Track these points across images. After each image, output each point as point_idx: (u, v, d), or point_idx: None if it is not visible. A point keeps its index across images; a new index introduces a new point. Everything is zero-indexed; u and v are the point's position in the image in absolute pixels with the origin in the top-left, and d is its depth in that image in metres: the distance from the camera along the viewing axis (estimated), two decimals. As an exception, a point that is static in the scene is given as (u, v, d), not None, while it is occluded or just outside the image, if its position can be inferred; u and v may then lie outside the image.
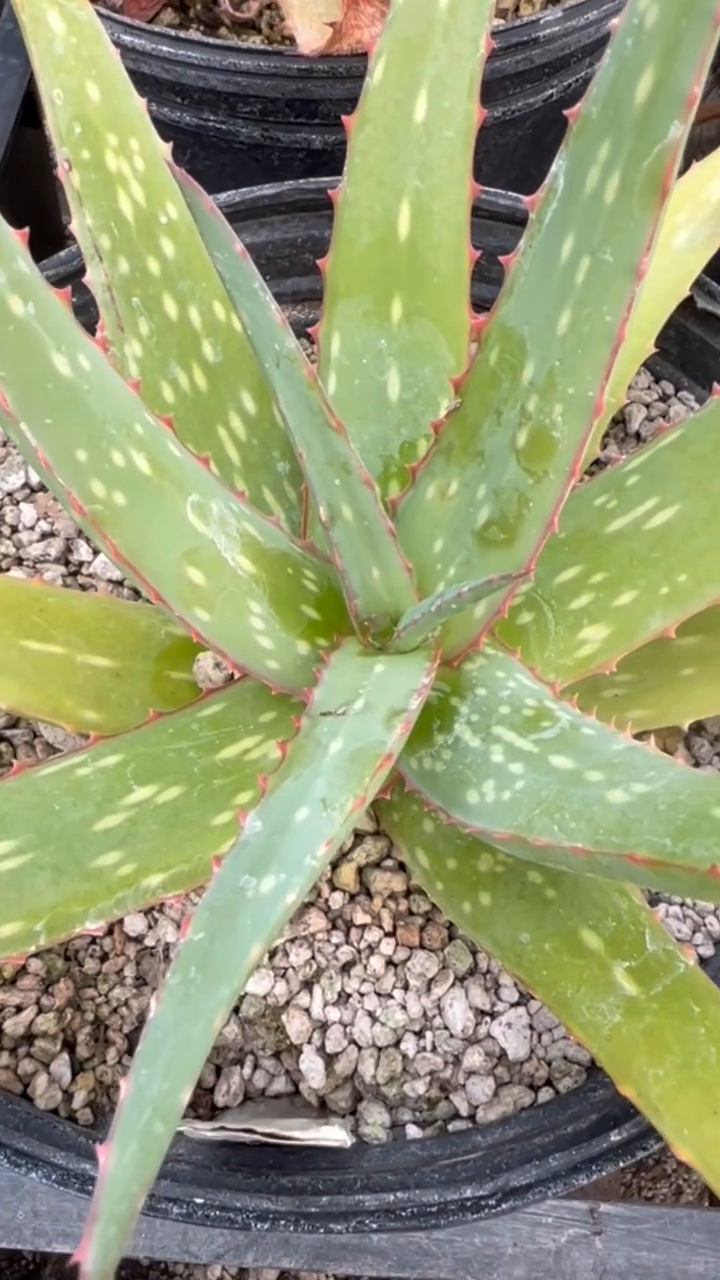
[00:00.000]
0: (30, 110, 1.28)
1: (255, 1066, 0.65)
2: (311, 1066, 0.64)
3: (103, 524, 0.54)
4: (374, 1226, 0.54)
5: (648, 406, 0.82)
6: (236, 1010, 0.66)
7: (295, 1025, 0.65)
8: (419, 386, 0.67)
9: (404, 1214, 0.54)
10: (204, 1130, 0.49)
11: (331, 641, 0.65)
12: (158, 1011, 0.36)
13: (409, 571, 0.62)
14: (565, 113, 0.46)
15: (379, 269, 0.66)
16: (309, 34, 0.78)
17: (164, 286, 0.67)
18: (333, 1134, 0.51)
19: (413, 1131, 0.63)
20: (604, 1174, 0.54)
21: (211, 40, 0.88)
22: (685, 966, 0.53)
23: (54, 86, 0.63)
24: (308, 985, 0.66)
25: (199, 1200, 0.54)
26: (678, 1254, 0.79)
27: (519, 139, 1.03)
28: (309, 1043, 0.65)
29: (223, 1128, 0.49)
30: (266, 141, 0.97)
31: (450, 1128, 0.63)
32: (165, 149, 0.66)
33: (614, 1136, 0.55)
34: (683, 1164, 1.22)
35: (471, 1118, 0.63)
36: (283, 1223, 0.54)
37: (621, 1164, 0.54)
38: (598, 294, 0.49)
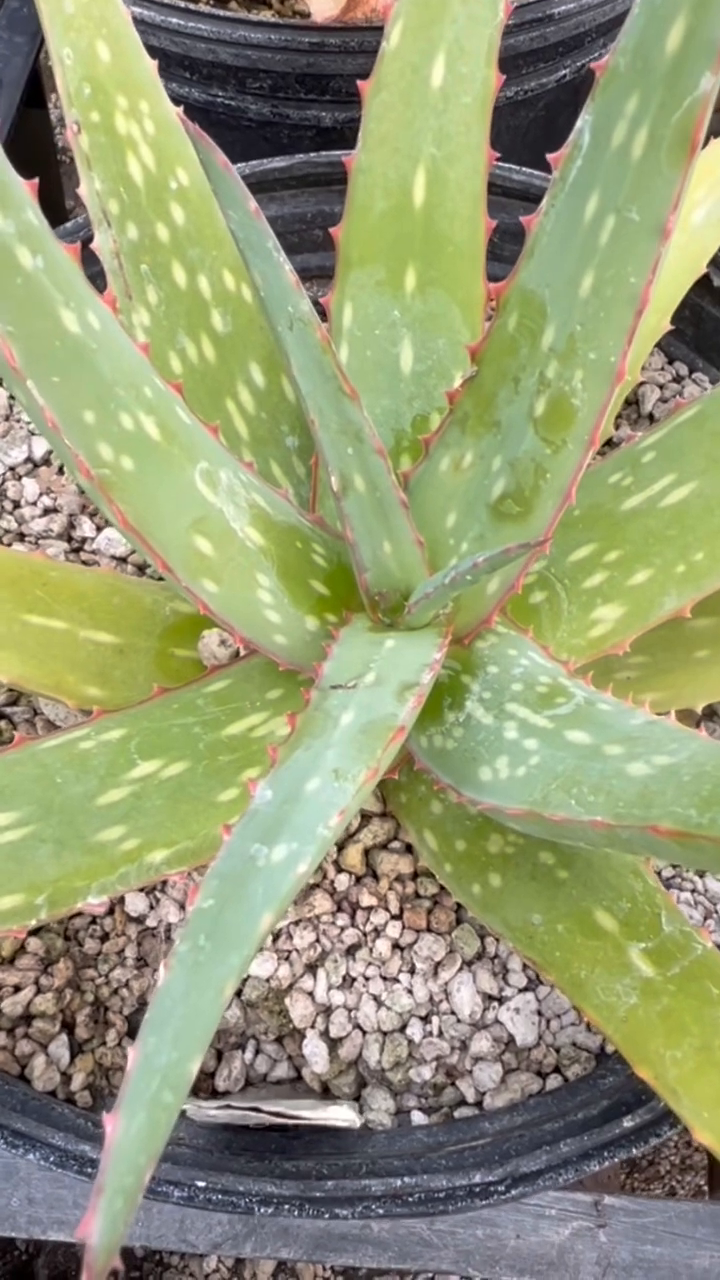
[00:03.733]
0: (35, 90, 1.26)
1: (257, 1051, 0.64)
2: (315, 1051, 0.62)
3: (110, 489, 0.53)
4: (380, 1212, 0.52)
5: (661, 388, 0.81)
6: (239, 993, 0.64)
7: (299, 1009, 0.63)
8: (433, 359, 0.66)
9: (411, 1199, 0.53)
10: (209, 1109, 0.48)
11: (340, 618, 0.64)
12: (166, 979, 0.35)
13: (420, 546, 0.60)
14: (593, 65, 0.45)
15: (393, 238, 0.64)
16: (322, 2, 0.77)
17: (173, 254, 0.66)
18: (341, 1114, 0.50)
19: (418, 1118, 0.62)
20: (616, 1160, 0.53)
21: (222, 13, 0.86)
22: (703, 948, 0.52)
23: (63, 46, 0.61)
24: (311, 969, 0.64)
25: (201, 1183, 0.53)
26: (682, 1248, 0.77)
27: (531, 120, 1.02)
28: (312, 1027, 0.63)
29: (228, 1106, 0.48)
30: (276, 119, 0.96)
31: (457, 1114, 0.62)
32: (176, 112, 0.64)
33: (626, 1123, 0.53)
34: (676, 1165, 1.21)
35: (479, 1104, 0.62)
36: (286, 1207, 0.52)
37: (635, 1150, 0.53)
38: (622, 254, 0.47)
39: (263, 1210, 0.52)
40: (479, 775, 0.55)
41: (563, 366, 0.52)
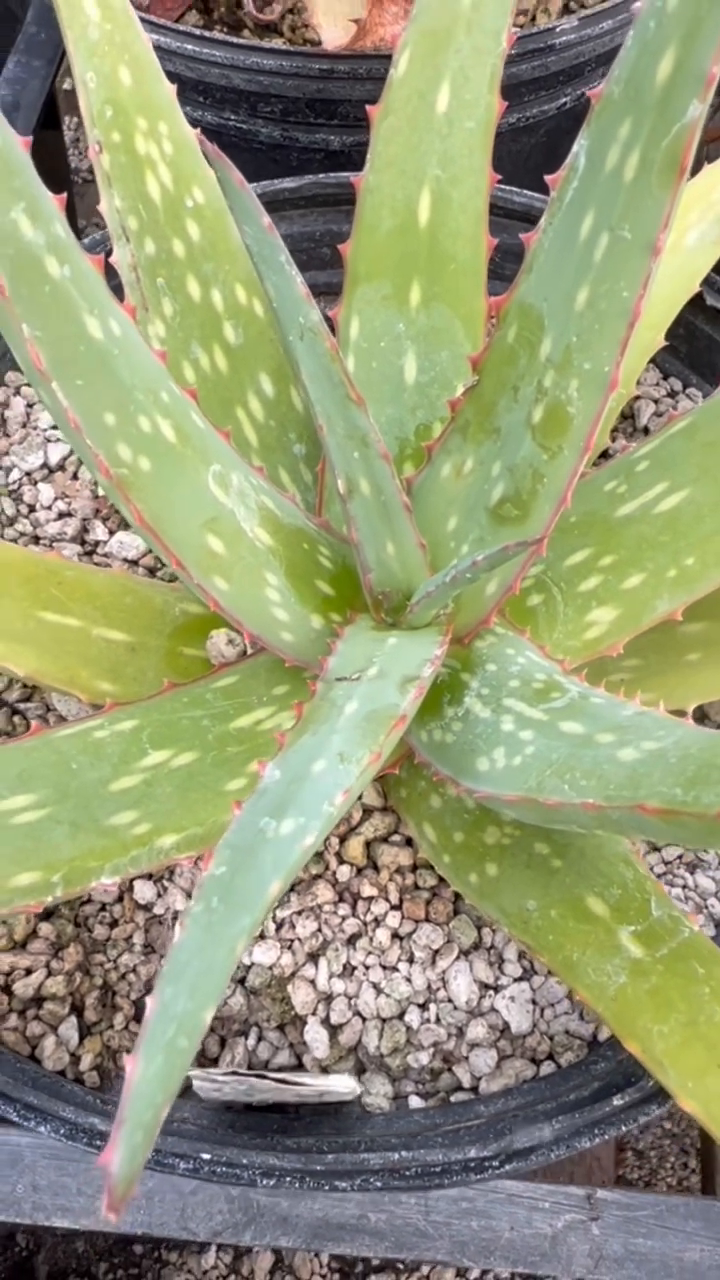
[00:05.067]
0: (50, 113, 1.30)
1: (259, 1038, 0.66)
2: (316, 1037, 0.64)
3: (128, 488, 0.55)
4: (378, 1185, 0.54)
5: (656, 402, 0.84)
6: (242, 981, 0.66)
7: (300, 996, 0.65)
8: (435, 370, 0.68)
9: (408, 1173, 0.55)
10: (216, 1075, 0.50)
11: (344, 617, 0.67)
12: (181, 936, 0.37)
13: (423, 548, 0.63)
14: (589, 93, 0.48)
15: (399, 255, 0.67)
16: (333, 31, 0.80)
17: (188, 268, 0.69)
18: (342, 1083, 0.52)
19: (415, 1102, 0.64)
20: (607, 1138, 0.55)
21: (236, 40, 0.90)
22: (690, 931, 0.54)
23: (87, 70, 0.65)
24: (313, 957, 0.66)
25: (205, 1156, 0.55)
26: (673, 1241, 0.79)
27: (533, 146, 1.05)
28: (314, 1014, 0.65)
29: (235, 1073, 0.50)
30: (286, 141, 0.99)
31: (453, 1099, 0.64)
32: (195, 133, 0.67)
33: (616, 1101, 0.56)
34: (645, 1175, 1.22)
35: (474, 1089, 0.64)
36: (288, 1179, 0.54)
37: (624, 1127, 0.55)
38: (615, 270, 0.50)
39: (265, 1182, 0.54)
40: (477, 766, 0.57)
41: (559, 376, 0.55)
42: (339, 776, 0.47)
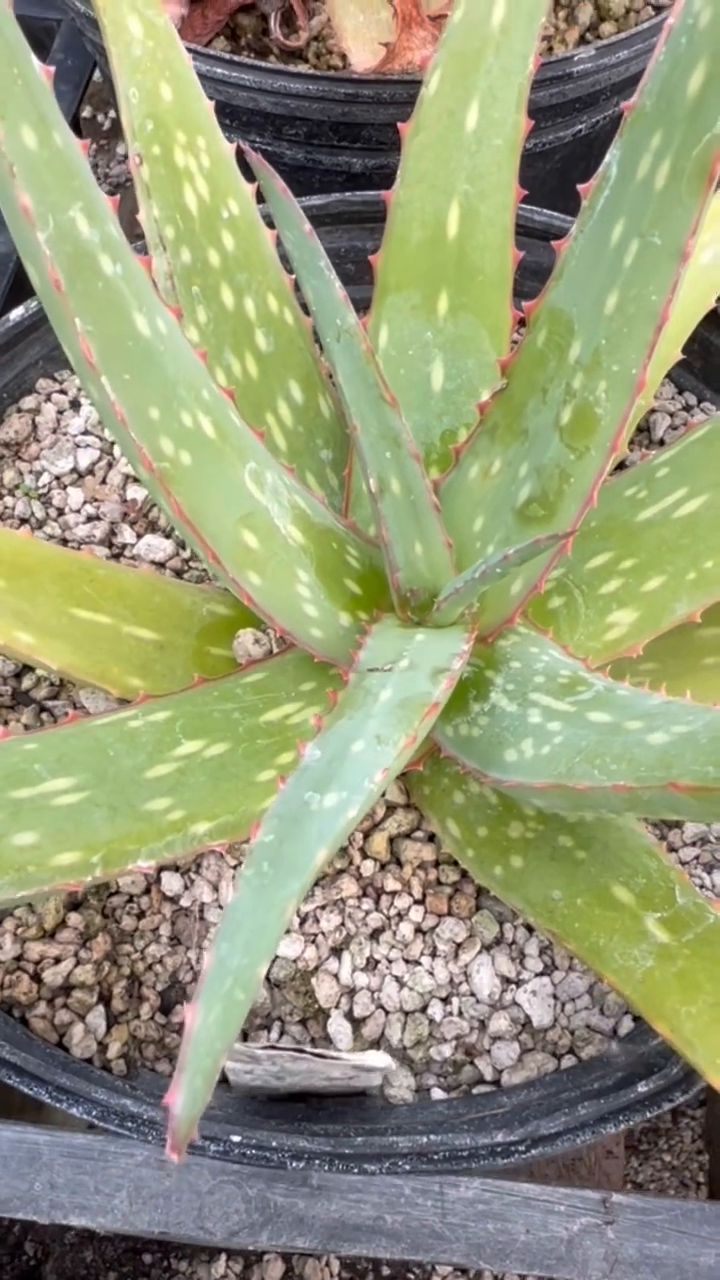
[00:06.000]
0: (75, 133, 1.33)
1: (282, 1032, 0.67)
2: (339, 1030, 0.65)
3: (169, 481, 0.57)
4: (406, 1169, 0.55)
5: (672, 415, 0.86)
6: (267, 975, 0.67)
7: (324, 989, 0.66)
8: (462, 378, 0.70)
9: (436, 1157, 0.55)
10: (256, 1049, 0.51)
11: (371, 616, 0.68)
12: (235, 898, 0.38)
13: (450, 548, 0.65)
14: (622, 105, 0.50)
15: (428, 266, 0.70)
16: (362, 54, 0.83)
17: (222, 277, 0.71)
18: (377, 1058, 0.53)
19: (438, 1094, 0.65)
20: (632, 1124, 0.55)
21: (263, 64, 0.93)
22: (715, 917, 0.55)
23: (130, 85, 0.67)
24: (337, 951, 0.67)
25: (235, 1139, 0.56)
26: (689, 1246, 0.79)
27: (548, 172, 1.08)
28: (337, 1007, 0.66)
29: (272, 1047, 0.51)
30: (309, 164, 1.02)
31: (475, 1091, 0.65)
32: (238, 143, 0.70)
33: (641, 1088, 0.56)
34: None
35: (496, 1082, 0.65)
36: (317, 1162, 0.55)
37: (649, 1114, 0.56)
38: (645, 275, 0.52)
39: (294, 1165, 0.55)
40: (505, 757, 0.58)
41: (588, 378, 0.57)
42: (378, 756, 0.48)
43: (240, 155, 0.72)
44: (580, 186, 0.53)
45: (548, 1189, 0.79)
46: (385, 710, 0.53)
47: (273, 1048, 0.50)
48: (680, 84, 0.48)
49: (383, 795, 0.70)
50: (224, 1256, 1.03)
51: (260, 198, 0.72)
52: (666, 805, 0.46)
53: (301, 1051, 0.50)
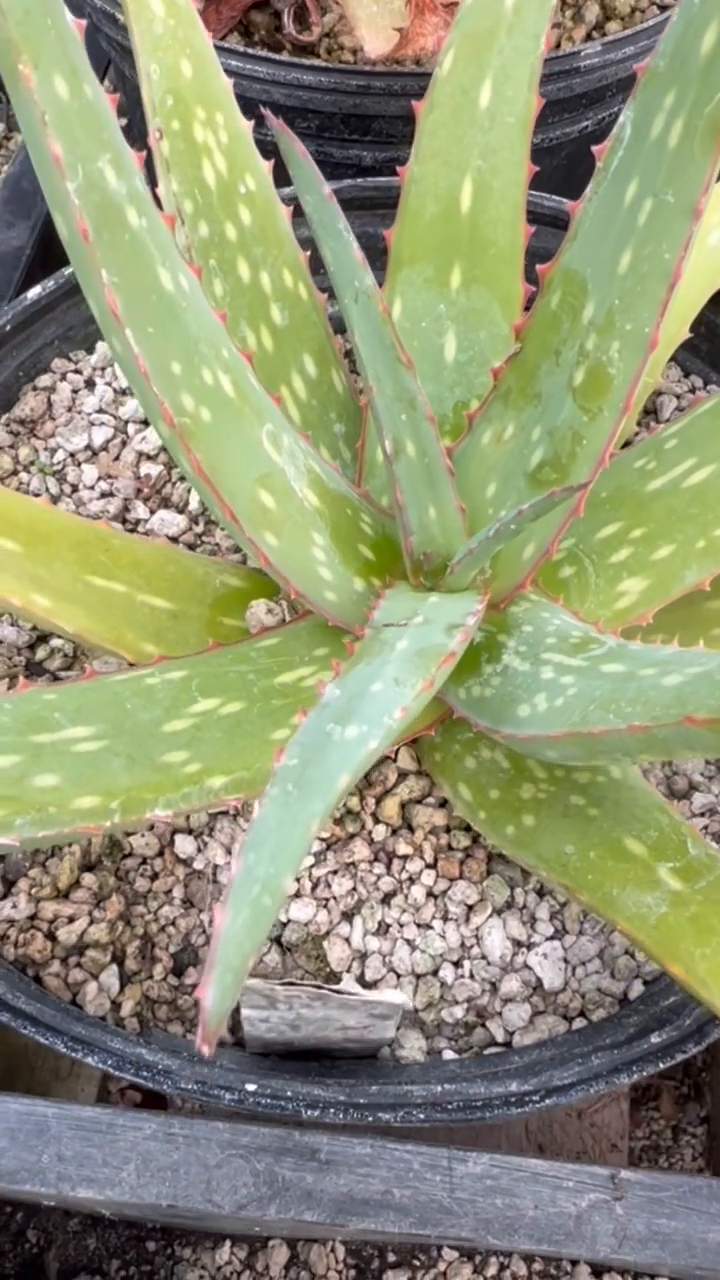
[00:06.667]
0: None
1: (293, 997, 0.67)
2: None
3: (189, 437, 0.58)
4: (420, 1118, 0.55)
5: (678, 398, 0.87)
6: (278, 939, 0.68)
7: (336, 953, 0.67)
8: (474, 349, 0.72)
9: (450, 1106, 0.56)
10: (274, 985, 0.51)
11: (385, 582, 0.69)
12: (260, 814, 0.39)
13: (463, 513, 0.66)
14: (635, 67, 0.52)
15: (441, 239, 0.71)
16: (375, 41, 0.85)
17: (239, 251, 0.72)
18: (394, 995, 0.53)
19: (450, 1055, 0.65)
20: (645, 1074, 0.56)
21: (277, 56, 0.95)
22: (727, 866, 0.56)
23: (151, 62, 0.68)
24: (348, 916, 0.68)
25: (250, 1087, 0.56)
26: (697, 1222, 0.79)
27: (554, 167, 1.10)
28: (348, 971, 0.67)
29: (291, 982, 0.51)
30: (321, 157, 1.03)
31: (486, 1053, 0.65)
32: (248, 126, 0.71)
33: (654, 1038, 0.57)
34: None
35: (507, 1044, 0.65)
36: (332, 1110, 0.55)
37: (662, 1064, 0.56)
38: (658, 234, 0.53)
39: (309, 1113, 0.55)
40: (518, 713, 0.59)
41: (601, 338, 0.58)
42: (396, 696, 0.49)
43: (256, 136, 0.73)
44: (595, 148, 0.54)
45: (556, 1164, 0.79)
46: (403, 658, 0.53)
47: (291, 983, 0.50)
48: (694, 44, 0.49)
49: (394, 760, 0.71)
50: (229, 1243, 1.02)
51: (277, 176, 0.74)
52: (682, 741, 0.46)
53: (319, 988, 0.51)
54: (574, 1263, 0.90)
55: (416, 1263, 1.02)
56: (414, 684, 0.50)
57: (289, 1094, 0.56)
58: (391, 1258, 1.02)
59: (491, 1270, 1.00)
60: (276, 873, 0.37)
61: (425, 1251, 1.04)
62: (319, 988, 0.50)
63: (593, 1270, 0.89)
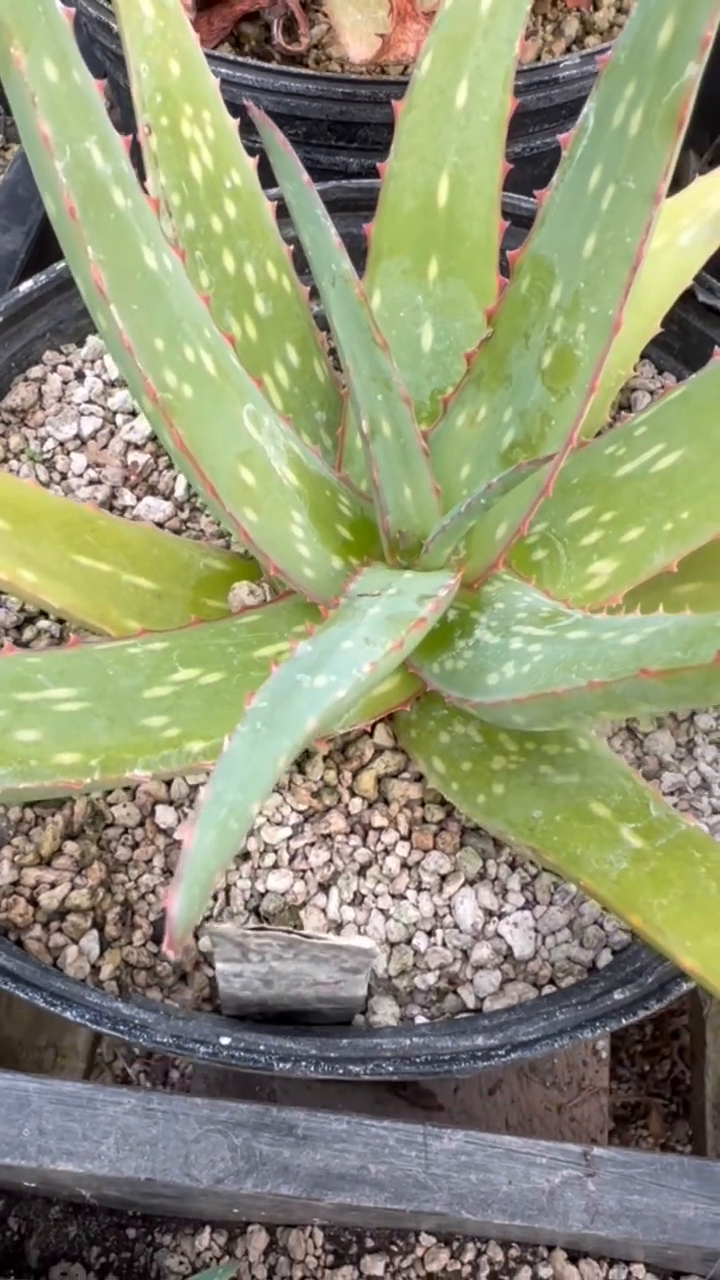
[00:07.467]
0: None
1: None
2: (326, 961, 0.67)
3: (171, 413, 0.60)
4: (389, 1070, 0.57)
5: (652, 394, 0.90)
6: (256, 909, 0.69)
7: (312, 922, 0.68)
8: (450, 339, 0.74)
9: (419, 1059, 0.57)
10: (245, 930, 0.53)
11: (362, 561, 0.71)
12: (230, 748, 0.41)
13: (437, 494, 0.68)
14: (598, 58, 0.54)
15: (419, 233, 0.74)
16: (359, 47, 0.88)
17: (224, 243, 0.75)
18: (362, 941, 0.54)
19: (421, 1020, 0.66)
20: (609, 1029, 0.57)
21: (265, 64, 0.98)
22: (687, 826, 0.57)
23: (140, 61, 0.71)
24: (324, 887, 0.69)
25: (225, 1040, 0.57)
26: (668, 1199, 0.81)
27: (535, 177, 1.12)
28: (324, 940, 0.68)
29: (262, 928, 0.53)
30: (307, 164, 1.05)
31: (458, 1018, 0.66)
32: (233, 123, 0.74)
33: (617, 995, 0.58)
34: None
35: (478, 1010, 0.67)
36: (304, 1063, 0.57)
37: (624, 1020, 0.57)
38: (620, 218, 0.56)
39: (281, 1066, 0.57)
40: (487, 681, 0.61)
41: (568, 321, 0.60)
42: (366, 652, 0.51)
43: (244, 143, 0.76)
44: (560, 137, 0.57)
45: (530, 1141, 0.80)
46: (374, 621, 0.55)
47: (261, 928, 0.52)
48: (651, 37, 0.52)
49: (371, 738, 0.73)
50: (208, 1229, 1.02)
51: (263, 176, 0.76)
52: (638, 694, 0.48)
53: (289, 933, 0.52)
54: (550, 1248, 0.91)
55: (394, 1248, 1.03)
56: (384, 643, 0.52)
57: (261, 1047, 0.57)
58: (369, 1243, 1.03)
59: (469, 1255, 1.01)
60: (244, 800, 0.39)
61: (403, 1237, 1.04)
62: (289, 932, 0.52)
63: (569, 1256, 0.90)
